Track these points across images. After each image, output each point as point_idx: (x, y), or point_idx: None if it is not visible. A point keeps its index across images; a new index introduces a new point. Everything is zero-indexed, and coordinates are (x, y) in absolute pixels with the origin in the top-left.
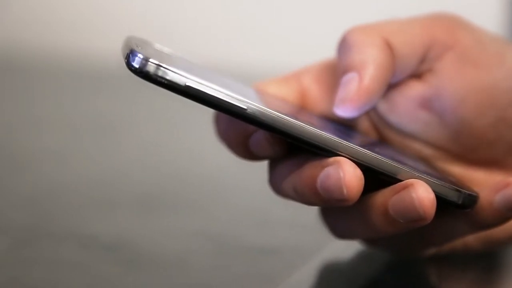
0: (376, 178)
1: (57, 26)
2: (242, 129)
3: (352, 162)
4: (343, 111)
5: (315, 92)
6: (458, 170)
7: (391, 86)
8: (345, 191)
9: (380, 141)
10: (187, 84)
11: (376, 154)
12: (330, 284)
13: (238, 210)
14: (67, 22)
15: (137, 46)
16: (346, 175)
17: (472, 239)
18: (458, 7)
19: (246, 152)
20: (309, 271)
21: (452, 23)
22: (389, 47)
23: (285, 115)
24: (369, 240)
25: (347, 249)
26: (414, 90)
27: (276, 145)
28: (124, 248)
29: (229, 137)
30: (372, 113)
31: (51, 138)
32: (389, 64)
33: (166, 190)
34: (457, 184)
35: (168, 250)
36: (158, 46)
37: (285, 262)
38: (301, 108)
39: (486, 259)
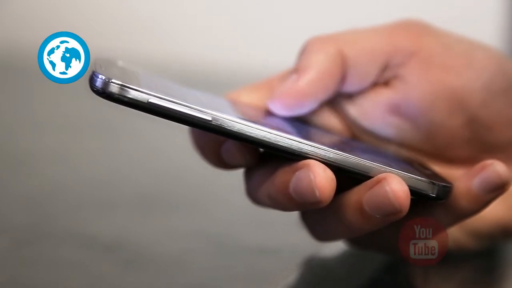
0: (350, 177)
1: (57, 26)
2: (213, 138)
3: (322, 163)
4: (274, 106)
5: None
6: (436, 169)
7: (360, 93)
8: (317, 193)
9: (355, 139)
10: (149, 100)
11: (345, 153)
12: (328, 284)
13: (237, 210)
14: (67, 22)
15: (100, 67)
16: (316, 177)
17: (461, 236)
18: (458, 8)
19: (219, 161)
20: (308, 271)
21: (416, 29)
22: (342, 57)
23: (251, 122)
24: (353, 241)
25: (345, 249)
26: (383, 96)
27: (247, 154)
28: (124, 248)
29: (202, 147)
30: (346, 118)
31: (51, 138)
32: (333, 73)
33: (165, 190)
34: (431, 176)
35: (168, 250)
36: (123, 64)
37: (285, 262)
38: (273, 115)
39: (480, 259)
